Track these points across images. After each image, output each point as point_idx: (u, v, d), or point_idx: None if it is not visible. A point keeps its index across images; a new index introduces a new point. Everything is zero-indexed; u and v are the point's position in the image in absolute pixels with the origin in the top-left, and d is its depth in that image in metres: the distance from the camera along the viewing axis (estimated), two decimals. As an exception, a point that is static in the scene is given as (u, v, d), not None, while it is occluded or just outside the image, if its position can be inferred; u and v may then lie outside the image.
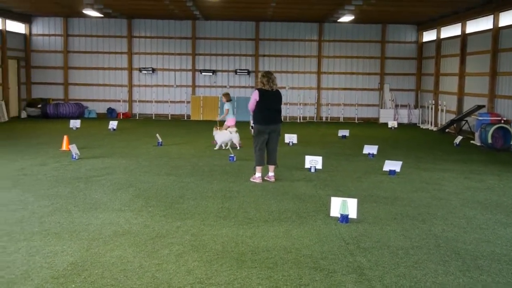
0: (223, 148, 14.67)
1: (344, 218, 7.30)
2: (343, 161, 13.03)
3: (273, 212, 7.89)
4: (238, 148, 14.62)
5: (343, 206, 7.34)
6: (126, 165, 11.85)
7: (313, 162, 11.46)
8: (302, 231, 6.94)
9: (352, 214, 7.35)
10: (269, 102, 10.16)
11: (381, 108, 25.42)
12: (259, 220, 7.45)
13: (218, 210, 8.00)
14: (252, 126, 10.65)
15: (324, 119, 25.69)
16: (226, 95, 15.62)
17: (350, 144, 16.39)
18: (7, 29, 23.25)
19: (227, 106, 15.40)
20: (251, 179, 10.30)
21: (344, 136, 18.10)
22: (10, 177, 10.23)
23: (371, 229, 7.05)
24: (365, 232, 6.90)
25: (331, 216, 7.51)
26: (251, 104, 10.20)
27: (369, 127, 22.77)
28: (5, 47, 23.06)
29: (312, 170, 11.35)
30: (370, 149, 13.90)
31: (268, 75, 10.21)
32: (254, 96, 10.14)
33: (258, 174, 10.28)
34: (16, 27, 24.49)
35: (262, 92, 10.12)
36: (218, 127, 14.98)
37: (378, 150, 13.91)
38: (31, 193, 8.91)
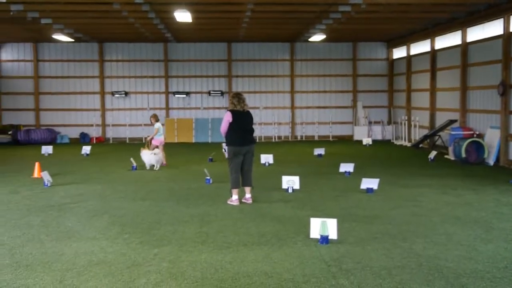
0: (153, 168, 15.07)
1: (324, 239, 7.20)
2: (320, 180, 12.97)
3: (252, 235, 7.75)
4: (157, 168, 14.98)
5: (322, 227, 7.24)
6: (100, 191, 11.60)
7: (290, 182, 11.37)
8: (282, 254, 6.81)
9: (332, 234, 7.25)
10: (242, 123, 10.08)
11: (355, 125, 25.56)
12: (238, 244, 7.30)
13: (196, 235, 7.82)
14: (225, 149, 10.52)
15: (299, 138, 25.71)
16: (154, 116, 16.08)
17: (326, 163, 16.37)
18: (-25, 56, 22.84)
19: (157, 125, 15.74)
20: (228, 202, 10.17)
21: (320, 155, 18.09)
22: (-21, 208, 9.92)
23: (352, 250, 6.95)
24: (346, 253, 6.81)
25: (311, 238, 7.39)
26: (224, 126, 10.09)
27: (344, 145, 22.83)
28: (-27, 74, 22.63)
29: (290, 190, 11.25)
30: (347, 167, 13.88)
31: (239, 96, 10.19)
32: (227, 117, 10.03)
33: (234, 197, 10.14)
34: (-16, 53, 24.07)
35: (234, 113, 10.03)
36: (146, 147, 15.54)
37: (355, 168, 13.90)
38: (1, 223, 8.62)
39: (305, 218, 8.60)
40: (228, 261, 6.53)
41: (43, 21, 17.49)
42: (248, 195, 10.26)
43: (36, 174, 13.72)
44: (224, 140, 10.46)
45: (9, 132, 23.85)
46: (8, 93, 25.11)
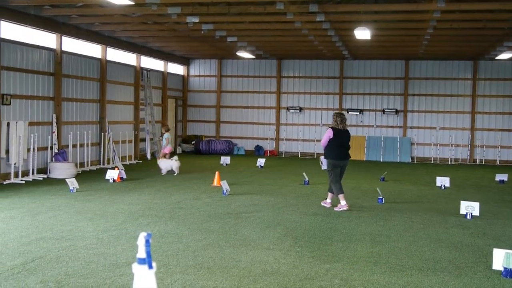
0: (165, 173, 16.71)
1: (509, 273, 6.67)
2: (503, 208, 12.06)
3: (427, 260, 7.45)
4: (176, 174, 16.66)
5: (507, 258, 6.72)
6: (273, 203, 12.00)
7: (469, 208, 10.73)
8: (460, 283, 6.45)
9: (518, 268, 6.71)
10: (341, 140, 11.32)
11: (545, 151, 23.36)
12: (412, 268, 7.07)
13: (367, 254, 7.73)
14: (322, 161, 12.18)
15: (478, 161, 24.18)
16: (166, 126, 18.92)
17: (510, 190, 15.18)
18: (168, 71, 25.11)
19: (167, 135, 18.09)
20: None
21: (502, 181, 16.83)
22: (167, 210, 10.83)
23: (540, 287, 6.37)
24: (534, 290, 6.25)
25: (493, 269, 6.91)
26: (324, 141, 11.35)
27: (531, 172, 20.97)
28: (165, 87, 24.90)
29: (468, 216, 10.62)
30: (534, 196, 12.74)
31: (342, 116, 11.43)
32: (328, 133, 11.31)
33: (343, 202, 11.18)
34: (175, 68, 26.38)
35: (335, 131, 11.29)
36: (161, 157, 17.62)
37: (544, 198, 12.72)
38: (186, 226, 9.32)
39: (485, 248, 8.08)
40: (401, 284, 6.36)
41: (229, 39, 18.68)
42: (329, 200, 11.56)
43: (215, 182, 14.62)
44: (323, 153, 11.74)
45: (192, 142, 25.78)
46: (193, 105, 27.16)
